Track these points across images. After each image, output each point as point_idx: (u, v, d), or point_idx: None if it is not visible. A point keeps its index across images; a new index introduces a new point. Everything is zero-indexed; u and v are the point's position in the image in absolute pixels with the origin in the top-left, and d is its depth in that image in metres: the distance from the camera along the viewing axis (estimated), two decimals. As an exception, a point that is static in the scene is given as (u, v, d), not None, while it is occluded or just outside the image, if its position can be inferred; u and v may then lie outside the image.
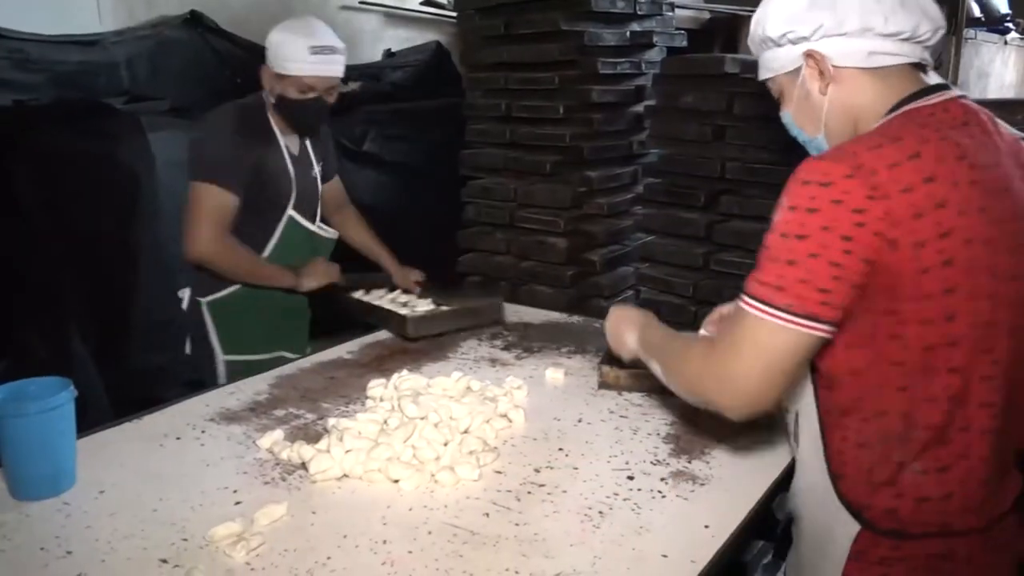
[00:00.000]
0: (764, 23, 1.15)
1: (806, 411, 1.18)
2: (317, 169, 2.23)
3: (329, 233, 2.27)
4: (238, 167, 2.00)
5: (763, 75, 1.22)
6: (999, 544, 1.12)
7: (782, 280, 1.00)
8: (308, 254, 2.17)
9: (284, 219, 2.12)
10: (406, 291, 2.32)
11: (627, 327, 1.45)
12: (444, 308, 2.19)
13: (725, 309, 1.55)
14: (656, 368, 1.30)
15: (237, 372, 2.00)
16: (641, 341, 1.39)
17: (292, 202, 2.12)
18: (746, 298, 1.04)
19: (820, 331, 1.01)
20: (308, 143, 2.20)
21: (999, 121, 1.12)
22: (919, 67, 1.12)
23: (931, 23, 1.09)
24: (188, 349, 2.19)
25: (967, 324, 1.01)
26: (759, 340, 1.03)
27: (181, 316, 2.21)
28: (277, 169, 2.09)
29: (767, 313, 1.01)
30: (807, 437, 1.18)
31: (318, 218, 2.25)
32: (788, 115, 1.20)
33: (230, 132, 2.01)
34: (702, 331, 1.55)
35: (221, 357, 2.14)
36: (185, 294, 2.19)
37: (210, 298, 2.14)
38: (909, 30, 1.07)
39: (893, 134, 1.03)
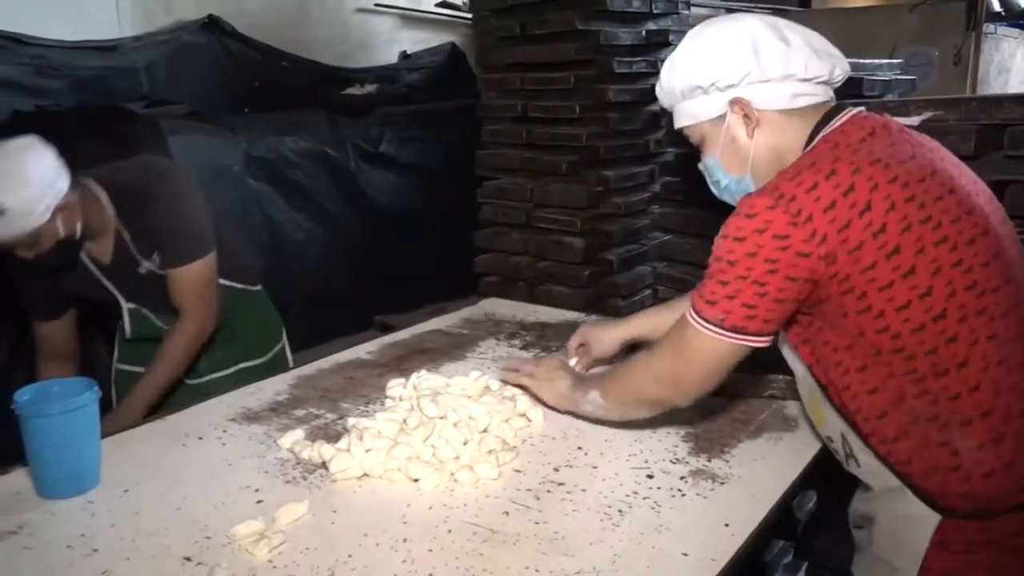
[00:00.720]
0: (689, 73, 1.22)
1: (848, 431, 1.22)
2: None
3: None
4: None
5: (683, 123, 1.29)
6: None
7: (713, 295, 1.16)
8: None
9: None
10: None
11: (559, 373, 1.55)
12: None
13: (575, 340, 1.75)
14: (593, 396, 1.44)
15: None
16: (575, 384, 1.51)
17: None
18: (690, 311, 1.21)
19: (748, 341, 1.16)
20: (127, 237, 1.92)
21: (900, 120, 1.24)
22: (827, 104, 1.23)
23: (842, 68, 1.22)
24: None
25: (942, 296, 1.08)
26: (698, 348, 1.21)
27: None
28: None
29: (702, 325, 1.18)
30: (863, 453, 1.21)
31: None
32: (714, 158, 1.28)
33: (195, 193, 1.93)
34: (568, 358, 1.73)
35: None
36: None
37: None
38: (826, 74, 1.19)
39: (809, 162, 1.13)
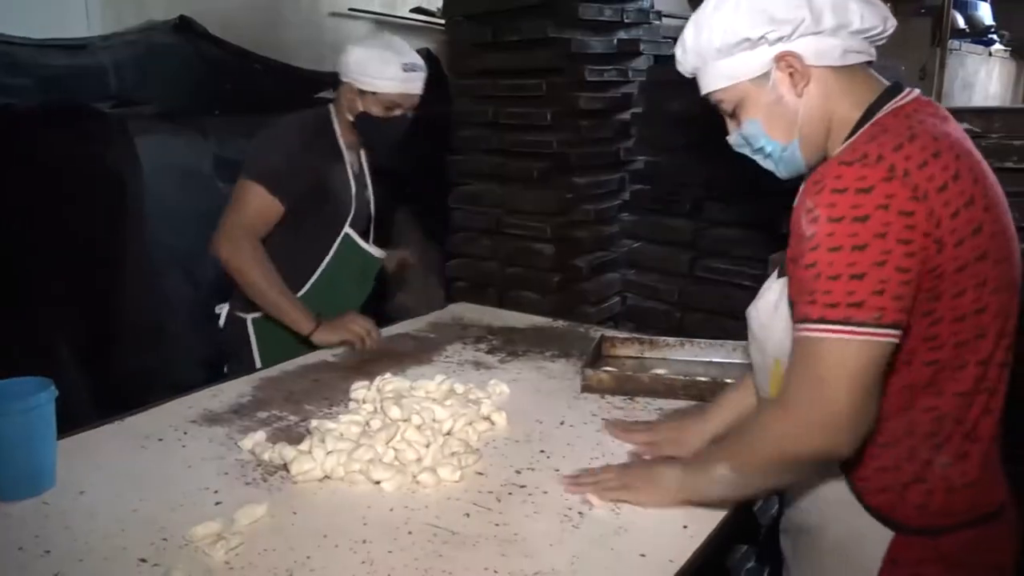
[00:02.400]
0: (733, 26, 1.08)
1: None
2: (370, 186, 2.23)
3: (378, 253, 2.24)
4: (295, 179, 1.96)
5: (718, 85, 1.14)
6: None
7: (855, 296, 0.96)
8: (358, 272, 2.19)
9: (340, 236, 2.10)
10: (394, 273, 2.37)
11: (663, 466, 1.31)
12: None
13: (648, 440, 1.47)
14: (721, 473, 1.16)
15: None
16: (686, 468, 1.25)
17: (350, 220, 2.10)
18: (816, 326, 0.98)
19: (898, 338, 0.98)
20: (364, 161, 2.20)
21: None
22: (869, 64, 1.12)
23: (891, 22, 1.10)
24: (226, 368, 2.11)
25: (992, 314, 1.02)
26: (848, 363, 0.97)
27: (216, 334, 2.18)
28: (339, 186, 2.07)
29: (851, 332, 0.96)
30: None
31: (371, 236, 2.24)
32: (757, 124, 1.13)
33: (298, 143, 1.99)
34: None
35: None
36: (223, 310, 2.16)
37: (256, 315, 2.08)
38: (880, 25, 1.08)
39: (904, 132, 1.01)
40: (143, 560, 1.12)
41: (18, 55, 3.20)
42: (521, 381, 1.81)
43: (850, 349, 0.97)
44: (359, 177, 2.15)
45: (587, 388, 1.74)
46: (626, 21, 3.50)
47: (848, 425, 1.00)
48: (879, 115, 1.06)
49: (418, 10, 4.69)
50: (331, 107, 2.09)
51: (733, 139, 1.19)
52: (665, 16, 3.73)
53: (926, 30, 5.35)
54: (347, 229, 2.11)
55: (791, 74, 1.08)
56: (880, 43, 1.11)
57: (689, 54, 1.16)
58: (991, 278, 1.01)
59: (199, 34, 3.72)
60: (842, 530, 1.14)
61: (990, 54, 6.68)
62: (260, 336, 2.11)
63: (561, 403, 1.69)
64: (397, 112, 2.03)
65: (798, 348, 1.02)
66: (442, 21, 4.23)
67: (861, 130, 1.07)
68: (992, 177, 1.06)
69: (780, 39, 1.07)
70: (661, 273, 3.29)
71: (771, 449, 1.09)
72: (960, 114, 2.18)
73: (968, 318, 1.02)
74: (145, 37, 3.59)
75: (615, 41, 3.47)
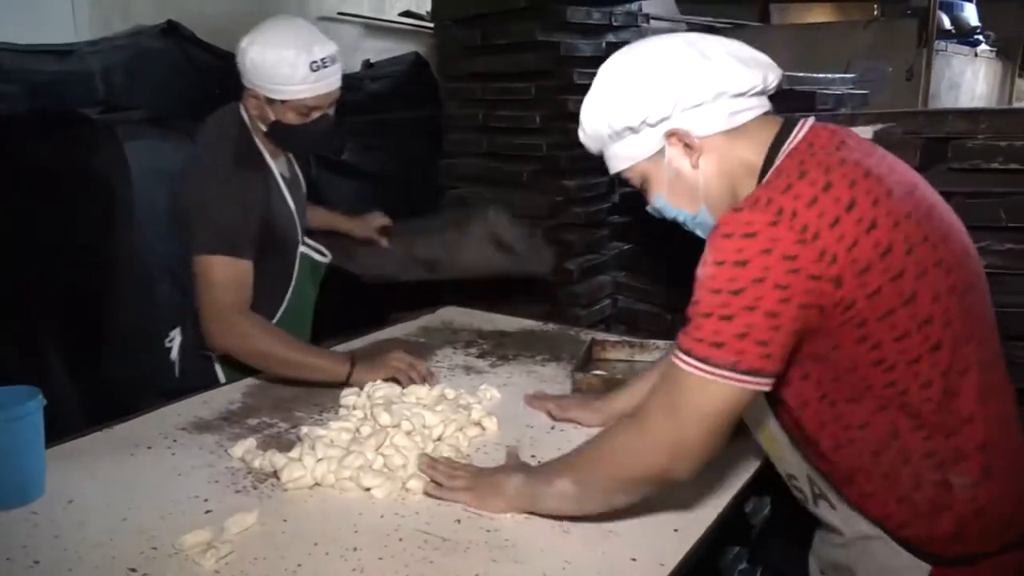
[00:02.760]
0: (614, 115, 1.12)
1: (814, 473, 1.17)
2: (302, 181, 2.01)
3: (323, 258, 2.05)
4: (248, 226, 1.73)
5: (618, 166, 1.18)
6: None
7: (719, 336, 0.98)
8: (311, 276, 2.01)
9: (298, 257, 1.92)
10: (368, 240, 2.21)
11: (503, 474, 1.30)
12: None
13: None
14: (562, 486, 1.18)
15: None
16: (528, 478, 1.25)
17: (301, 237, 1.93)
18: (683, 356, 1.02)
19: (761, 385, 1.00)
20: (292, 159, 1.97)
21: (853, 130, 1.18)
22: (767, 113, 1.14)
23: (774, 72, 1.12)
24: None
25: (939, 325, 1.01)
26: (702, 401, 1.01)
27: (170, 368, 1.97)
28: (280, 208, 1.84)
29: (708, 372, 0.99)
30: (834, 494, 1.16)
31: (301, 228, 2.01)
32: (662, 198, 1.17)
33: (236, 185, 1.71)
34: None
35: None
36: (175, 342, 1.96)
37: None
38: (760, 83, 1.09)
39: (796, 174, 1.01)
40: (133, 570, 1.12)
41: (4, 61, 3.18)
42: (512, 385, 1.81)
43: (708, 389, 1.00)
44: (292, 181, 1.93)
45: (578, 391, 1.74)
46: (614, 24, 3.51)
47: (693, 456, 1.05)
48: (778, 159, 1.06)
49: (407, 14, 4.70)
50: (242, 114, 1.80)
51: (650, 210, 1.23)
52: (653, 19, 3.75)
53: (912, 31, 5.38)
54: (302, 248, 1.94)
55: (683, 148, 1.11)
56: (770, 93, 1.13)
57: (588, 138, 1.21)
58: (922, 290, 1.00)
59: (187, 39, 3.71)
60: (876, 567, 1.12)
61: (976, 55, 6.72)
62: (231, 376, 1.88)
63: (552, 407, 1.69)
64: (315, 115, 1.76)
65: (667, 372, 1.06)
66: (431, 25, 4.24)
67: (766, 176, 1.07)
68: (907, 185, 1.05)
69: (662, 120, 1.10)
70: (651, 276, 3.29)
71: (616, 466, 1.13)
72: (946, 115, 2.21)
73: (923, 358, 1.01)
74: (133, 42, 3.58)
75: (604, 44, 3.47)
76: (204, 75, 3.81)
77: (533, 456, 1.47)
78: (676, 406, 1.03)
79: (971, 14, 6.80)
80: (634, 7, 3.62)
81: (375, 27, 4.63)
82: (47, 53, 3.36)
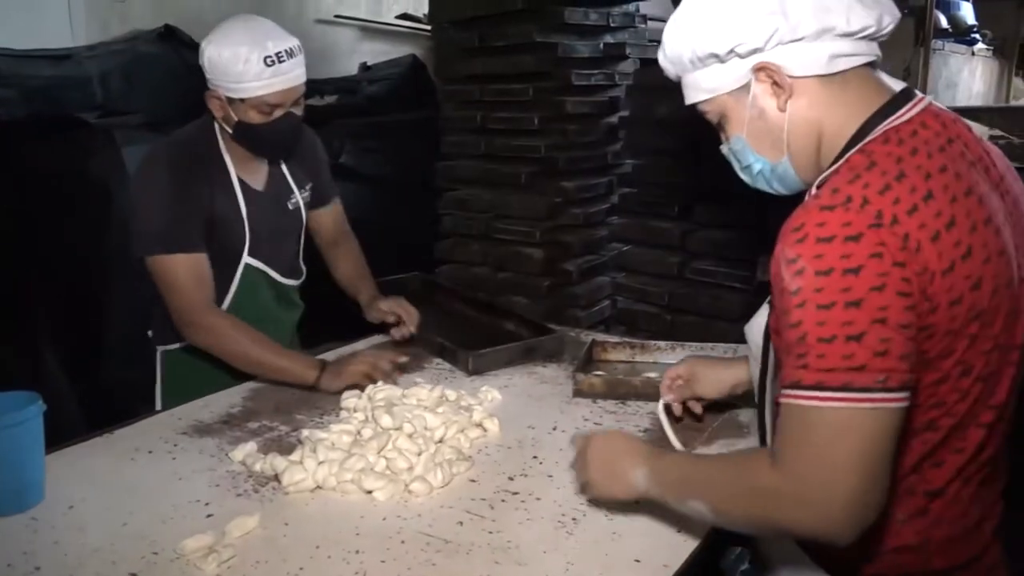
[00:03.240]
0: (700, 38, 1.00)
1: None
2: (299, 197, 1.94)
3: (291, 282, 1.99)
4: (189, 220, 1.70)
5: (696, 97, 1.06)
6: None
7: (854, 360, 0.84)
8: (277, 300, 1.95)
9: (241, 268, 1.84)
10: (385, 324, 2.01)
11: (628, 461, 1.16)
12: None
13: (677, 372, 1.50)
14: (696, 507, 1.04)
15: None
16: (655, 477, 1.12)
17: (247, 247, 1.83)
18: (810, 393, 0.86)
19: (907, 402, 0.87)
20: (285, 167, 1.92)
21: (971, 125, 1.03)
22: (872, 65, 1.01)
23: (891, 13, 0.98)
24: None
25: (975, 376, 0.93)
26: (850, 434, 0.85)
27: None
28: (226, 212, 1.78)
29: (851, 400, 0.84)
30: None
31: (300, 254, 2.01)
32: (741, 140, 1.05)
33: (167, 185, 1.69)
34: (662, 400, 1.51)
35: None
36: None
37: (169, 347, 1.89)
38: (874, 24, 0.96)
39: (892, 170, 0.90)
40: (134, 574, 1.11)
41: (1, 66, 3.18)
42: (512, 387, 1.80)
43: (855, 418, 0.85)
44: (265, 192, 1.87)
45: (579, 393, 1.74)
46: (612, 25, 3.51)
47: (852, 510, 0.86)
48: (870, 136, 0.95)
49: (404, 16, 4.70)
50: (211, 119, 1.79)
51: (725, 151, 1.12)
52: (651, 19, 3.75)
53: (909, 30, 5.39)
54: (247, 259, 1.84)
55: (772, 86, 0.99)
56: (882, 39, 1.00)
57: (667, 60, 1.08)
58: (981, 337, 0.92)
59: (184, 43, 3.71)
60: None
61: (973, 53, 6.74)
62: (168, 373, 1.91)
63: (553, 408, 1.68)
64: (278, 113, 1.71)
65: (792, 415, 0.89)
66: (428, 27, 4.24)
67: (847, 155, 0.96)
68: (995, 217, 0.94)
69: (753, 51, 0.97)
70: (651, 276, 3.30)
71: (758, 510, 0.96)
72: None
73: (951, 379, 0.93)
74: (130, 46, 3.58)
75: (601, 45, 3.48)
76: (201, 79, 3.81)
77: (535, 457, 1.46)
78: (822, 451, 0.86)
79: (968, 13, 6.81)
80: (632, 8, 3.63)
81: (372, 30, 4.63)
82: (44, 58, 3.36)
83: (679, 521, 1.25)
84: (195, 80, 3.79)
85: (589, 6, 3.39)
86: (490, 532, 1.22)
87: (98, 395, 2.72)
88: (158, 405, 1.91)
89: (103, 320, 2.84)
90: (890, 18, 0.98)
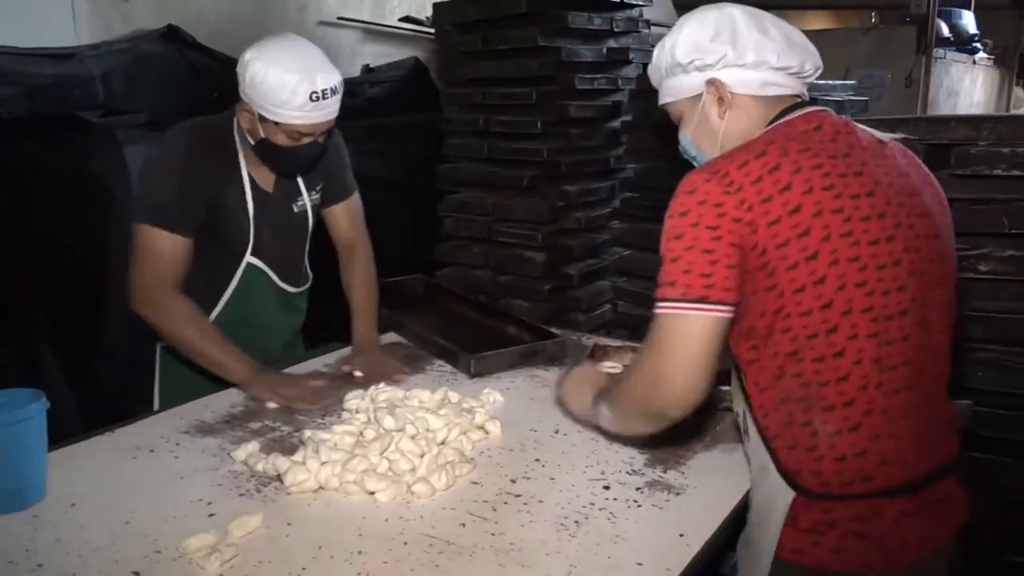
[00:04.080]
0: (674, 50, 1.27)
1: (746, 407, 1.26)
2: (307, 200, 1.93)
3: (296, 289, 1.99)
4: (190, 205, 1.72)
5: (665, 99, 1.35)
6: (931, 512, 1.19)
7: (670, 276, 1.14)
8: (277, 305, 1.94)
9: (242, 267, 1.85)
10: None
11: (588, 387, 1.48)
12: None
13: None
14: (603, 410, 1.37)
15: None
16: (594, 397, 1.42)
17: (250, 247, 1.84)
18: (655, 302, 1.17)
19: (714, 311, 1.13)
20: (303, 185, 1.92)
21: (864, 127, 1.28)
22: (799, 100, 1.26)
23: (813, 63, 1.26)
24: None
25: (833, 287, 1.12)
26: (670, 333, 1.15)
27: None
28: (234, 209, 1.79)
29: (668, 307, 1.14)
30: (751, 425, 1.26)
31: (306, 258, 2.01)
32: (687, 136, 1.33)
33: (181, 162, 1.71)
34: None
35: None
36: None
37: (165, 345, 1.89)
38: (796, 66, 1.23)
39: (749, 144, 1.18)
40: (136, 573, 1.11)
41: (4, 64, 3.18)
42: (514, 389, 1.81)
43: (669, 322, 1.15)
44: (273, 194, 1.86)
45: (581, 396, 1.73)
46: (615, 30, 3.51)
47: (674, 387, 1.16)
48: (767, 129, 1.22)
49: (407, 19, 4.70)
50: (236, 115, 1.78)
51: (680, 144, 1.38)
52: (654, 25, 3.75)
53: (911, 39, 5.41)
54: (249, 259, 1.85)
55: (718, 99, 1.25)
56: (808, 80, 1.28)
57: (652, 70, 1.36)
58: (822, 251, 1.11)
59: (187, 43, 3.71)
60: (764, 492, 1.23)
61: (974, 62, 6.75)
62: (165, 371, 1.92)
63: (555, 411, 1.67)
64: (305, 141, 1.73)
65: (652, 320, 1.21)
66: (431, 30, 4.24)
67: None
68: (850, 169, 1.16)
69: (707, 67, 1.24)
70: (652, 280, 3.29)
71: (623, 399, 1.31)
72: (949, 122, 2.21)
73: (814, 312, 1.13)
74: (133, 46, 3.58)
75: (605, 50, 3.48)
76: (204, 79, 3.81)
77: (537, 460, 1.46)
78: (652, 343, 1.18)
79: (969, 22, 6.82)
80: (635, 13, 3.63)
81: (375, 32, 4.63)
82: (47, 56, 3.36)
83: (682, 524, 1.25)
84: (197, 80, 3.81)
85: (593, 11, 3.40)
86: (492, 534, 1.22)
87: (96, 396, 2.72)
88: (156, 404, 1.91)
89: (102, 321, 2.83)
90: (812, 66, 1.26)
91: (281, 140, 1.70)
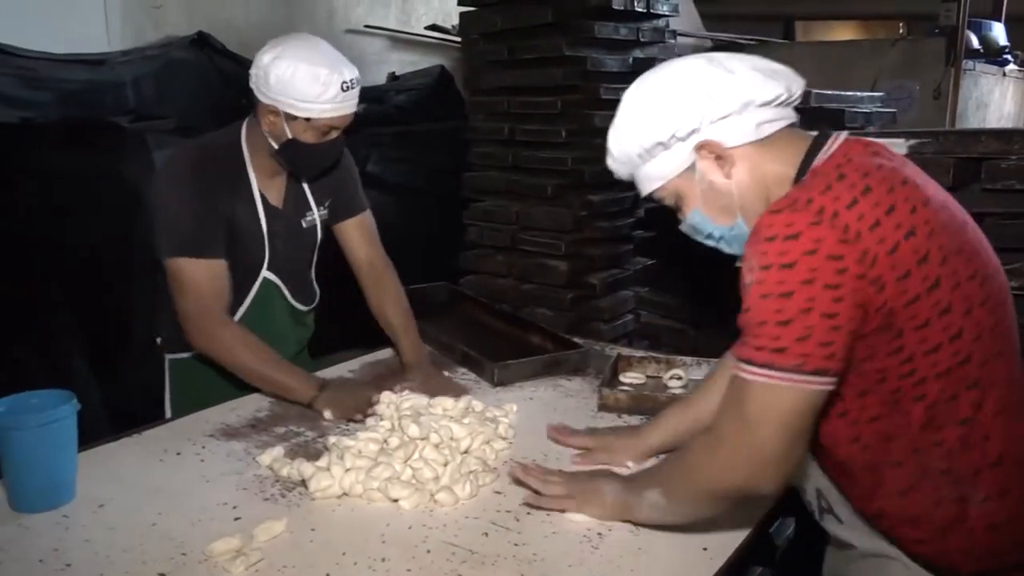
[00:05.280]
0: (643, 132, 1.13)
1: (824, 484, 1.18)
2: (316, 214, 1.92)
3: (301, 306, 1.97)
4: (210, 227, 1.71)
5: (652, 187, 1.18)
6: None
7: (779, 341, 0.98)
8: (289, 319, 1.95)
9: (258, 282, 1.84)
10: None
11: (601, 480, 1.32)
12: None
13: (581, 441, 1.53)
14: (653, 497, 1.19)
15: None
16: (623, 485, 1.27)
17: (266, 262, 1.84)
18: (745, 367, 1.02)
19: (827, 385, 1.00)
20: (306, 184, 1.89)
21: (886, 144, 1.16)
22: (793, 126, 1.15)
23: (796, 83, 1.14)
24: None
25: (971, 338, 1.01)
26: (771, 406, 1.00)
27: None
28: (246, 224, 1.78)
29: (774, 377, 0.99)
30: (843, 509, 1.17)
31: (312, 274, 2.01)
32: (698, 213, 1.16)
33: (191, 188, 1.70)
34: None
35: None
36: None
37: (178, 356, 1.90)
38: (784, 92, 1.11)
39: (833, 174, 1.02)
40: (163, 575, 1.12)
41: (39, 70, 3.24)
42: (537, 399, 1.80)
43: (774, 393, 0.99)
44: (283, 209, 1.85)
45: (604, 407, 1.73)
46: (642, 40, 3.52)
47: (772, 466, 1.03)
48: (814, 165, 1.07)
49: (433, 27, 4.73)
50: (243, 128, 1.79)
51: (684, 229, 1.22)
52: (680, 35, 3.75)
53: (940, 50, 5.36)
54: (265, 273, 1.84)
55: (715, 160, 1.12)
56: (794, 104, 1.15)
57: (617, 163, 1.21)
58: (956, 302, 1.00)
59: (216, 49, 3.76)
60: None
61: (1004, 74, 6.67)
62: (176, 380, 1.92)
63: (578, 422, 1.68)
64: (332, 135, 1.74)
65: (731, 386, 1.06)
66: (458, 38, 4.26)
67: (799, 183, 1.07)
68: (940, 198, 1.06)
69: (691, 132, 1.11)
70: (675, 291, 3.28)
71: (698, 481, 1.13)
72: (979, 135, 2.19)
73: (953, 371, 1.01)
74: (163, 52, 3.64)
75: (631, 60, 3.49)
76: (232, 85, 3.86)
77: (561, 470, 1.45)
78: (747, 417, 1.02)
79: (999, 33, 6.76)
80: (661, 23, 3.63)
81: (401, 40, 4.67)
82: (80, 63, 3.42)
83: (706, 538, 1.24)
84: (226, 87, 3.85)
85: (619, 21, 3.40)
86: (515, 544, 1.22)
87: (122, 398, 2.75)
88: (168, 414, 1.91)
89: (129, 323, 2.87)
90: (796, 86, 1.13)
91: (310, 137, 1.70)
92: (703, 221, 1.17)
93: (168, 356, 1.94)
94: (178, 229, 1.69)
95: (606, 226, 3.47)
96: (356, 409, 1.68)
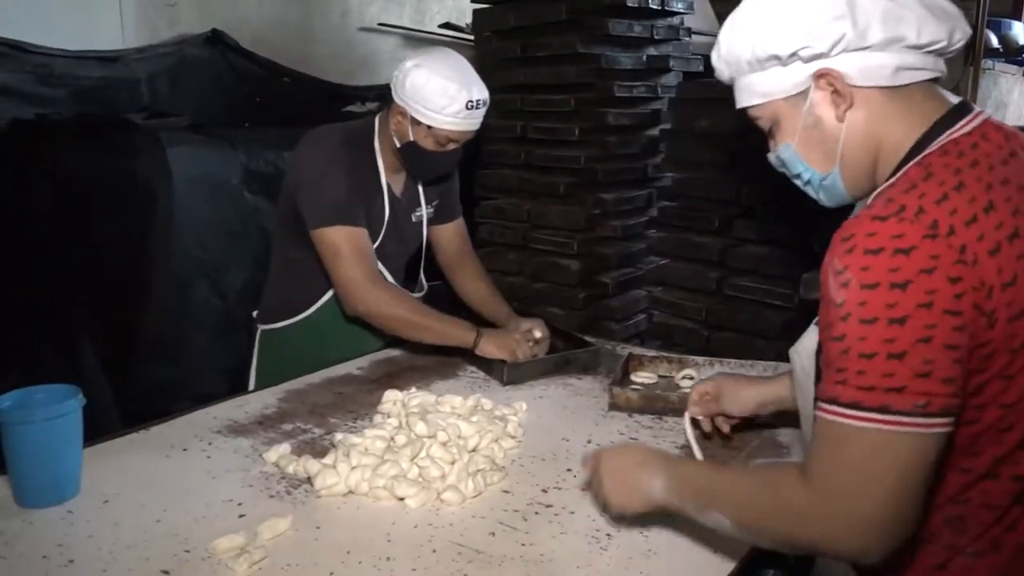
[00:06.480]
0: (762, 39, 0.96)
1: None
2: (424, 211, 2.07)
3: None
4: (356, 200, 1.85)
5: (751, 101, 1.02)
6: None
7: (894, 379, 0.81)
8: None
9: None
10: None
11: (644, 472, 1.13)
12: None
13: (705, 387, 1.49)
14: (721, 520, 1.02)
15: None
16: (674, 487, 1.10)
17: (378, 243, 1.95)
18: (846, 411, 0.84)
19: (950, 427, 0.84)
20: (419, 186, 2.05)
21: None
22: (935, 81, 0.98)
23: (963, 29, 0.95)
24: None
25: None
26: (887, 457, 0.82)
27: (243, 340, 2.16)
28: (374, 205, 1.92)
29: (890, 423, 0.82)
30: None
31: (422, 267, 2.13)
32: (790, 148, 1.01)
33: (341, 165, 1.84)
34: (688, 414, 1.49)
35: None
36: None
37: (268, 326, 2.06)
38: (945, 39, 0.93)
39: (951, 180, 0.86)
40: (166, 572, 1.11)
41: (53, 66, 3.26)
42: (547, 398, 1.79)
43: (890, 442, 0.82)
44: (401, 200, 2.01)
45: (614, 406, 1.71)
46: (656, 38, 3.49)
47: (882, 530, 0.85)
48: (929, 149, 0.91)
49: (447, 25, 4.72)
50: (376, 121, 1.95)
51: (772, 159, 1.08)
52: (695, 33, 3.71)
53: (959, 49, 5.29)
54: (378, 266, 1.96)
55: (832, 95, 0.95)
56: (951, 55, 0.97)
57: (722, 61, 1.05)
58: None
59: (230, 47, 3.77)
60: None
61: (1024, 74, 6.59)
62: (264, 352, 2.06)
63: (588, 421, 1.66)
64: (450, 147, 1.87)
65: (827, 431, 0.87)
66: (471, 36, 4.25)
67: (905, 167, 0.92)
68: None
69: (817, 56, 0.93)
70: (688, 291, 3.25)
71: (784, 526, 0.95)
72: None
73: (1017, 405, 0.89)
74: (178, 50, 3.65)
75: (644, 57, 3.46)
76: (246, 83, 3.87)
77: (569, 470, 1.44)
78: (856, 471, 0.84)
79: (1020, 33, 6.67)
80: (676, 21, 3.60)
81: (415, 38, 4.66)
82: (94, 59, 3.43)
83: (715, 541, 1.22)
84: (240, 84, 3.85)
85: (633, 18, 3.37)
86: (522, 544, 1.20)
87: (133, 393, 2.75)
88: (251, 383, 2.05)
89: (142, 320, 2.87)
90: (961, 34, 0.95)
91: (429, 144, 1.84)
92: (793, 159, 1.02)
93: (261, 327, 2.08)
94: (331, 199, 1.82)
95: (619, 225, 3.44)
96: (518, 345, 1.87)
